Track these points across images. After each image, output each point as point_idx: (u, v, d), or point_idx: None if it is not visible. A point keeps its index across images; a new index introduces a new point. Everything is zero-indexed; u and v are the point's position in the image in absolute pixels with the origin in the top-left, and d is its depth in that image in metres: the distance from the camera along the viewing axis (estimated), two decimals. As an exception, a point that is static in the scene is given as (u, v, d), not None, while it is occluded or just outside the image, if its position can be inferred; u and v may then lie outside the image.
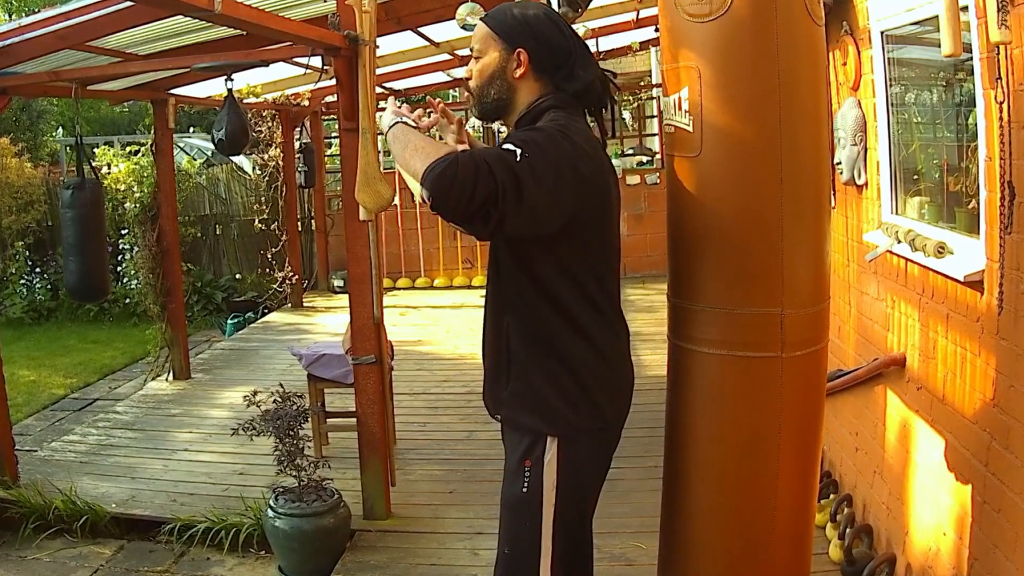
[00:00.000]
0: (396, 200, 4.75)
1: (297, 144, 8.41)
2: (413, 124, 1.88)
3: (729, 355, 1.98)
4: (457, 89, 10.21)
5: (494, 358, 2.00)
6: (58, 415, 6.21)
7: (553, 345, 1.90)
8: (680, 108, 2.00)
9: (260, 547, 3.59)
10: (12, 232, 9.15)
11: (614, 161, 8.65)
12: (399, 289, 9.30)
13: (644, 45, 8.15)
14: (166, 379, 6.11)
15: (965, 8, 2.16)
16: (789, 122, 1.91)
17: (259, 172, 9.22)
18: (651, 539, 2.42)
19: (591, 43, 6.63)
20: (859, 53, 3.14)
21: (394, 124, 1.88)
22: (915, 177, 2.93)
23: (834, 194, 3.48)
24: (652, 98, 10.11)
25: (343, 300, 5.96)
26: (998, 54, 2.02)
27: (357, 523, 3.62)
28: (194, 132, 13.63)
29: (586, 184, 1.81)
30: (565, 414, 1.91)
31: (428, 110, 2.05)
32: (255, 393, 3.42)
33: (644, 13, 6.53)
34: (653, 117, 10.17)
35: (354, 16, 3.34)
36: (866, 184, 3.21)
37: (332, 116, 9.29)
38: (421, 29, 5.71)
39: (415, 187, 1.76)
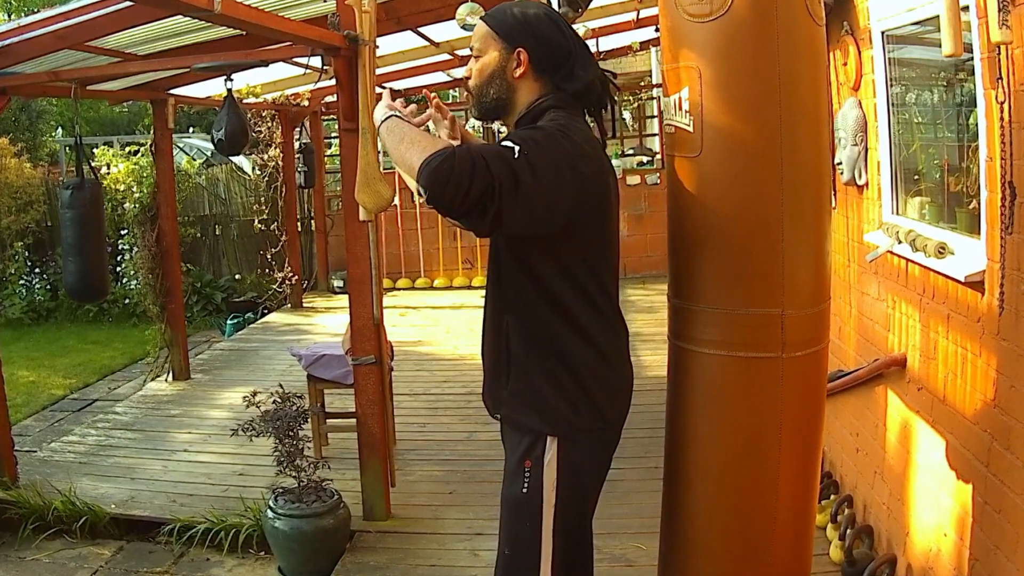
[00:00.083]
0: (396, 200, 4.74)
1: (297, 144, 8.40)
2: (407, 119, 1.88)
3: (729, 356, 1.98)
4: (457, 89, 10.20)
5: (494, 358, 2.00)
6: (57, 416, 6.20)
7: (553, 345, 1.90)
8: (680, 108, 2.00)
9: (260, 548, 3.59)
10: (11, 232, 9.15)
11: (614, 161, 8.66)
12: (399, 290, 9.30)
13: (644, 45, 8.15)
14: (165, 380, 6.10)
15: (966, 8, 2.15)
16: (790, 122, 1.91)
17: (259, 172, 9.22)
18: (651, 540, 2.42)
19: (591, 43, 6.63)
20: (860, 53, 3.13)
21: (388, 117, 1.88)
22: (916, 177, 2.93)
23: (835, 194, 3.48)
24: (652, 98, 10.11)
25: (343, 300, 5.95)
26: (999, 54, 2.02)
27: (357, 524, 3.61)
28: (194, 132, 13.64)
29: (586, 184, 1.81)
30: (565, 414, 1.91)
31: (426, 109, 2.04)
32: (255, 394, 3.41)
33: (644, 13, 6.53)
34: (653, 117, 10.17)
35: (354, 16, 3.34)
36: (867, 184, 3.21)
37: (332, 116, 9.29)
38: (421, 29, 5.71)
39: (410, 181, 1.75)
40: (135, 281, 7.51)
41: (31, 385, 6.88)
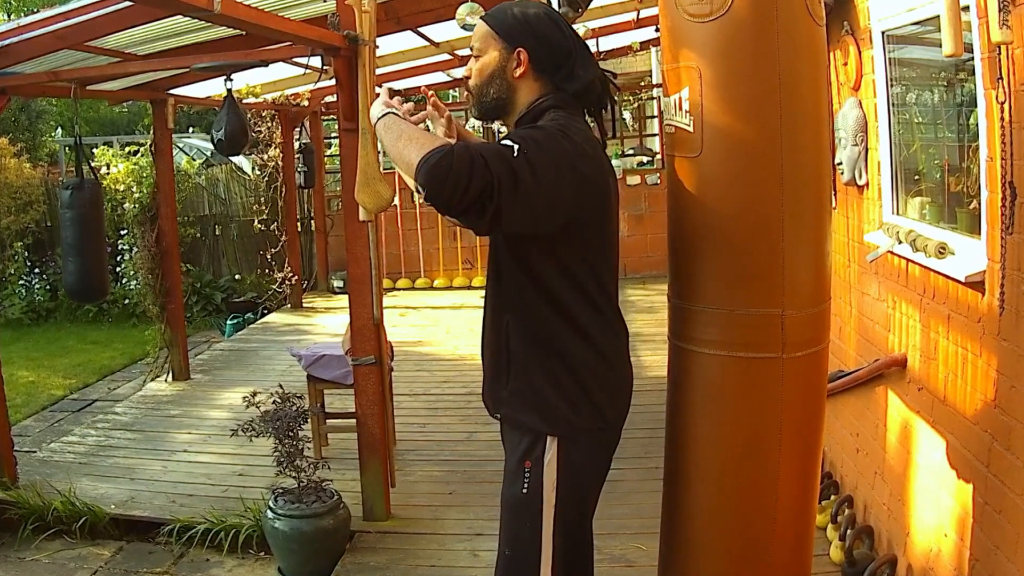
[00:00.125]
0: (396, 200, 4.74)
1: (297, 144, 8.40)
2: (404, 117, 1.87)
3: (730, 356, 1.98)
4: (457, 89, 10.20)
5: (494, 357, 2.00)
6: (57, 416, 6.20)
7: (553, 344, 1.90)
8: (681, 108, 1.99)
9: (259, 548, 3.59)
10: (11, 232, 9.14)
11: (614, 161, 8.66)
12: (399, 290, 9.29)
13: (644, 45, 8.15)
14: (165, 380, 6.10)
15: (966, 8, 2.15)
16: (790, 122, 1.91)
17: (258, 172, 9.21)
18: (651, 540, 2.42)
19: (591, 43, 6.63)
20: (860, 53, 3.13)
21: (384, 114, 1.87)
22: (916, 177, 2.93)
23: (835, 194, 3.48)
24: (652, 98, 10.11)
25: (343, 301, 5.95)
26: (999, 54, 2.02)
27: (357, 524, 3.61)
28: (193, 132, 13.63)
29: (586, 184, 1.81)
30: (565, 414, 1.90)
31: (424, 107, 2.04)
32: (254, 394, 3.41)
33: (644, 13, 6.53)
34: (653, 117, 10.16)
35: (354, 16, 3.34)
36: (867, 184, 3.21)
37: (332, 116, 9.29)
38: (421, 29, 5.71)
39: (407, 178, 1.75)
40: (135, 281, 7.51)
41: (31, 385, 6.88)
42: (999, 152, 2.05)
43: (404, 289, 9.33)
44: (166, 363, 6.13)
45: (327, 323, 7.76)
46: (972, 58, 2.21)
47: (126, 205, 7.26)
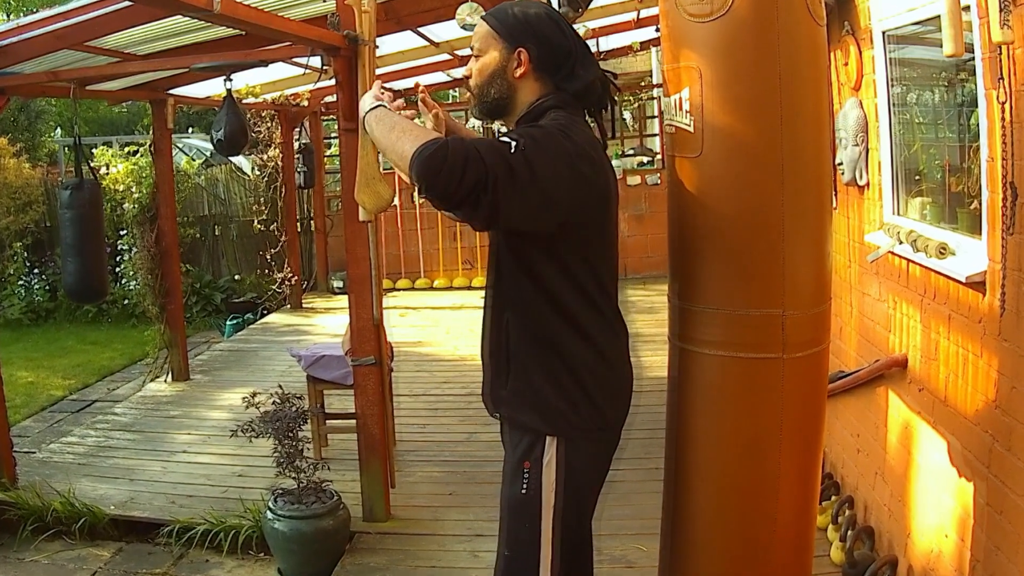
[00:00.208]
0: (396, 201, 4.73)
1: (296, 144, 8.40)
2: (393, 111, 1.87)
3: (730, 356, 1.98)
4: (457, 89, 10.20)
5: (494, 357, 1.99)
6: (56, 416, 6.19)
7: (553, 345, 1.90)
8: (681, 108, 1.99)
9: (259, 549, 3.58)
10: (10, 233, 9.14)
11: (614, 161, 8.66)
12: (399, 290, 9.29)
13: (645, 45, 8.14)
14: (165, 380, 6.10)
15: (967, 8, 2.15)
16: (790, 122, 1.91)
17: (258, 173, 9.21)
18: (652, 541, 2.41)
19: (592, 43, 6.63)
20: (861, 53, 3.13)
21: (375, 107, 1.88)
22: (917, 178, 2.93)
23: (835, 195, 3.48)
24: (653, 98, 10.10)
25: (342, 301, 5.95)
26: (1000, 54, 2.02)
27: (357, 525, 3.61)
28: (193, 132, 13.64)
29: (585, 184, 1.81)
30: (565, 414, 1.90)
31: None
32: (254, 394, 3.41)
33: (645, 13, 6.53)
34: (654, 117, 10.16)
35: (354, 16, 3.33)
36: (868, 185, 3.21)
37: (332, 116, 9.28)
38: (421, 29, 5.70)
39: (400, 170, 1.75)
40: (134, 282, 7.50)
41: (30, 386, 6.87)
42: (1000, 152, 2.05)
43: (404, 289, 9.32)
44: (166, 364, 6.13)
45: (327, 323, 7.76)
46: (973, 58, 2.21)
47: (125, 205, 7.25)
